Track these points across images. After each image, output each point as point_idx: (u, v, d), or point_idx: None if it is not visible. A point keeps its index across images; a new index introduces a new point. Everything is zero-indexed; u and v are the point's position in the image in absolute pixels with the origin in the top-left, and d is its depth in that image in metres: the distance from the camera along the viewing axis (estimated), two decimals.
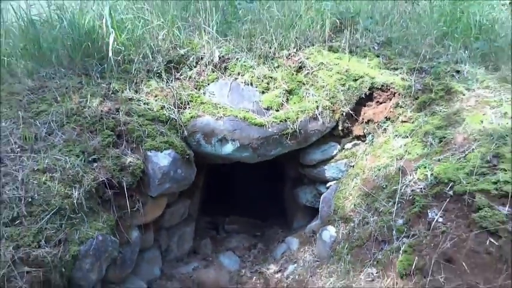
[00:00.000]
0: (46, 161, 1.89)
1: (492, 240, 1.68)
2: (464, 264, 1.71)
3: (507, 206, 1.71)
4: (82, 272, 1.79)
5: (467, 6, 3.26)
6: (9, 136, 1.97)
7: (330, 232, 2.68)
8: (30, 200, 1.70)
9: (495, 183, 1.83)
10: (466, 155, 2.14)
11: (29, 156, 1.89)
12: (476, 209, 1.80)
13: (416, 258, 1.90)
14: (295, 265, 2.91)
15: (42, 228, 1.66)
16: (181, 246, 3.15)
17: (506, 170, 1.87)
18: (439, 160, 2.24)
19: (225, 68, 2.98)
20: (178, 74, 2.91)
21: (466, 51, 2.94)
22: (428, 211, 2.05)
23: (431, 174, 2.18)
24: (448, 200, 2.00)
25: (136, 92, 2.68)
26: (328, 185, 3.07)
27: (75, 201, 1.84)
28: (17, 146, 1.92)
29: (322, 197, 2.98)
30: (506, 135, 2.08)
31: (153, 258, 2.79)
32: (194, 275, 2.88)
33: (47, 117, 2.20)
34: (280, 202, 4.02)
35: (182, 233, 3.16)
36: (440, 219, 1.97)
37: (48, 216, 1.70)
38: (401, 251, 2.02)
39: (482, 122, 2.33)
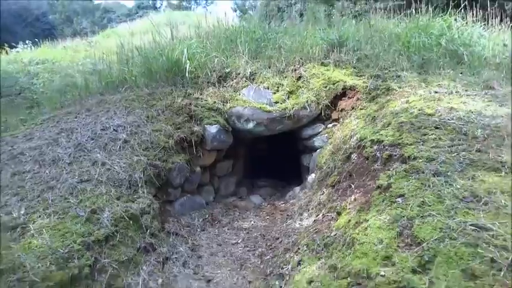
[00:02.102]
0: (157, 126, 3.98)
1: (366, 161, 3.32)
2: (354, 174, 3.37)
3: (375, 145, 3.33)
4: (172, 177, 3.80)
5: (419, 31, 4.74)
6: (140, 116, 4.11)
7: (312, 177, 4.40)
8: (151, 142, 3.78)
9: (379, 136, 3.44)
10: (376, 124, 3.74)
11: (150, 124, 3.99)
12: (366, 147, 3.43)
13: (338, 176, 3.59)
14: (295, 200, 4.67)
15: (156, 153, 3.71)
16: (227, 189, 5.09)
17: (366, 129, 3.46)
18: (365, 128, 3.86)
19: (253, 79, 4.88)
20: (225, 83, 4.89)
21: (407, 63, 4.47)
22: (351, 155, 3.69)
23: (359, 137, 3.81)
24: (361, 147, 3.63)
25: (200, 94, 4.70)
26: (317, 151, 4.78)
27: (169, 145, 3.88)
28: (144, 120, 4.03)
29: (311, 158, 4.72)
30: (397, 113, 3.65)
31: (209, 190, 4.75)
32: (233, 203, 4.81)
33: (156, 107, 4.30)
34: (297, 169, 5.76)
35: (228, 181, 5.10)
36: (356, 157, 3.62)
37: (159, 149, 3.76)
38: (334, 176, 3.71)
39: (395, 106, 3.90)
